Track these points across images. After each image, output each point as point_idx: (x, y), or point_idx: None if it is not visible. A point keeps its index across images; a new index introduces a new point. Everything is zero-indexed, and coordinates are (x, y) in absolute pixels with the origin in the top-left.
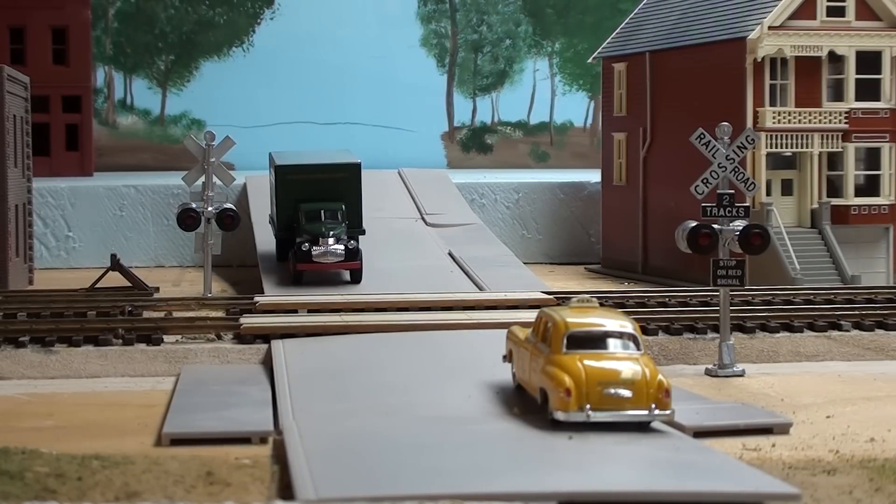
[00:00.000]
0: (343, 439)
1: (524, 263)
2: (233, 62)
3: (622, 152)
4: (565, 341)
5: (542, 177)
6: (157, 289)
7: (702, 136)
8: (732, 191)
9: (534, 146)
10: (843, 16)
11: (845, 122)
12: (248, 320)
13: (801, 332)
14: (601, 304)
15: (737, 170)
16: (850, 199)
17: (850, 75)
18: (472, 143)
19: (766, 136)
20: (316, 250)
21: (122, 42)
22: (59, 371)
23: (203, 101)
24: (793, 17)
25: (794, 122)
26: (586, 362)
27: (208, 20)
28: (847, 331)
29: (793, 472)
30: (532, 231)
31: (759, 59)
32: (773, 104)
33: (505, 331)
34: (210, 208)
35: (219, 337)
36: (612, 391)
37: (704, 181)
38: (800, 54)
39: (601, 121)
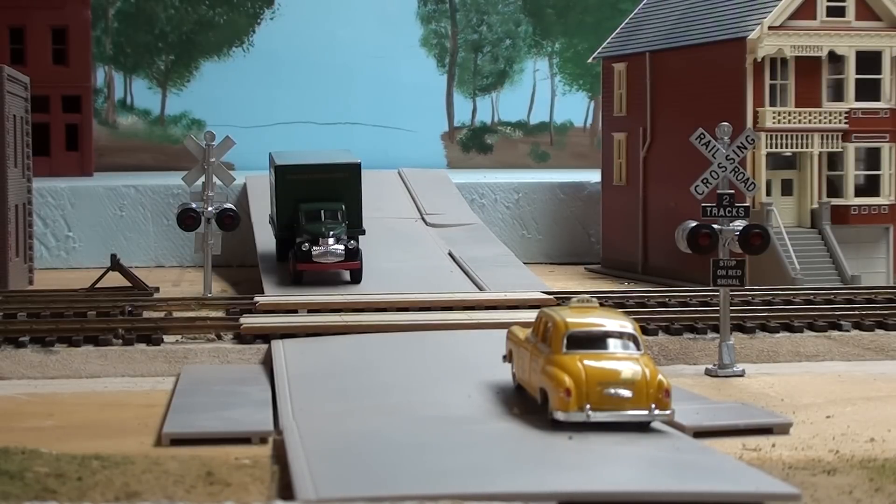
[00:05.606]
0: (343, 439)
1: (524, 263)
2: (233, 62)
3: (622, 152)
4: (565, 341)
5: (542, 177)
6: (157, 289)
7: (702, 136)
8: (732, 191)
9: (534, 146)
10: (843, 16)
11: (845, 122)
12: (248, 320)
13: (801, 332)
14: (601, 304)
15: (737, 170)
16: (850, 199)
17: (850, 75)
18: (472, 143)
19: (766, 136)
20: (316, 250)
21: (122, 42)
22: (59, 371)
23: (203, 101)
24: (793, 17)
25: (794, 122)
26: (586, 362)
27: (208, 20)
28: (847, 331)
29: (793, 472)
30: (532, 231)
31: (759, 59)
32: (773, 104)
33: (505, 331)
34: (210, 208)
35: (219, 337)
36: (612, 391)
37: (704, 181)
38: (800, 54)
39: (601, 121)
